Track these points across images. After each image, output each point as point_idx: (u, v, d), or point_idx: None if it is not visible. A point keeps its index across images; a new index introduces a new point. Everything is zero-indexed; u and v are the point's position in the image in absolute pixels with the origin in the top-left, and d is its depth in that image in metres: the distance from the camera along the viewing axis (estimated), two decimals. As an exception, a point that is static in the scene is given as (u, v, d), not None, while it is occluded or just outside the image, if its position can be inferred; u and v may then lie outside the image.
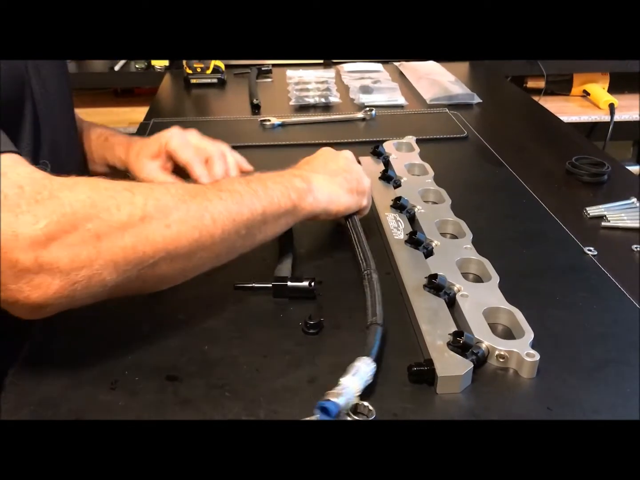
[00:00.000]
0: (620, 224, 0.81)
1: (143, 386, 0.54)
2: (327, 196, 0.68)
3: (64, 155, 0.76)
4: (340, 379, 0.50)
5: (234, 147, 1.08)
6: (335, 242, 0.77)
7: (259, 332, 0.62)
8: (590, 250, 0.75)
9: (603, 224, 0.82)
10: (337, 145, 1.09)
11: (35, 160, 0.68)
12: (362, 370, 0.51)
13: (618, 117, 1.69)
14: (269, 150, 1.08)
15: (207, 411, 0.52)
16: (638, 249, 0.76)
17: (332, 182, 0.70)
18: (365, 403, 0.50)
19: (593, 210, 0.84)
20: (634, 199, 0.86)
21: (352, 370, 0.51)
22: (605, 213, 0.84)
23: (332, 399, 0.48)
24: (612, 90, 1.79)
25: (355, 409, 0.50)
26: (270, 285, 0.66)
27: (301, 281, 0.65)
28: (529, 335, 0.57)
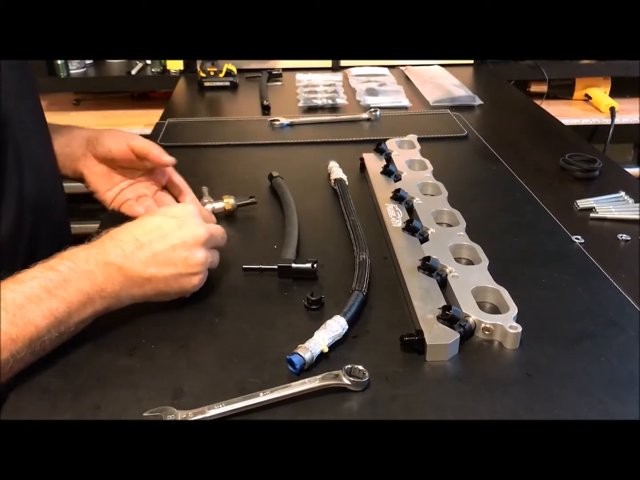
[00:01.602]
0: (608, 215, 0.86)
1: (158, 353, 0.60)
2: (133, 298, 0.63)
3: (43, 173, 0.76)
4: (315, 332, 0.59)
5: (244, 145, 1.15)
6: (337, 230, 0.82)
7: (265, 307, 0.67)
8: (577, 239, 0.80)
9: (592, 215, 0.87)
10: (342, 144, 1.15)
11: (20, 191, 0.69)
12: (331, 326, 0.60)
13: (619, 120, 1.73)
14: (278, 148, 1.14)
15: (215, 374, 0.57)
16: (623, 237, 0.80)
17: (145, 283, 0.62)
18: (360, 367, 0.55)
19: (583, 203, 0.89)
20: (623, 193, 0.90)
21: (323, 326, 0.60)
22: (594, 205, 0.88)
23: (299, 353, 0.56)
24: (613, 94, 1.83)
25: (350, 371, 0.55)
26: (276, 266, 0.71)
27: (304, 263, 0.71)
28: (513, 310, 0.62)
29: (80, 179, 0.84)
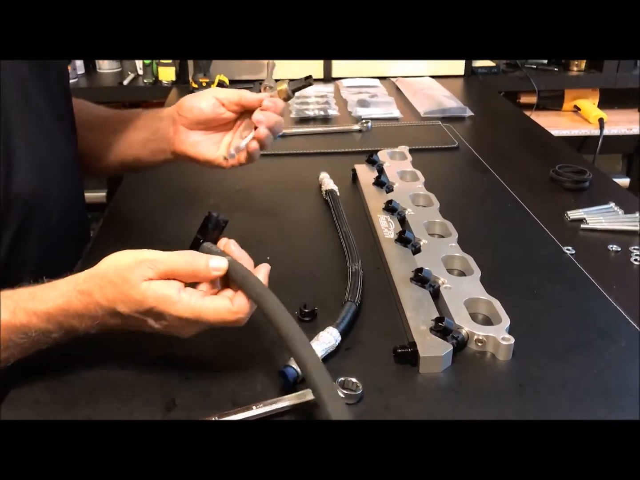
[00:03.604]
0: (599, 226, 0.87)
1: (150, 365, 0.59)
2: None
3: (46, 174, 0.72)
4: None
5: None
6: (329, 241, 0.82)
7: (257, 319, 0.66)
8: (568, 250, 0.80)
9: (582, 226, 0.87)
10: (334, 155, 1.15)
11: (8, 182, 0.66)
12: (324, 338, 0.60)
13: (607, 131, 1.75)
14: (270, 159, 1.14)
15: (207, 386, 0.57)
16: (613, 248, 0.81)
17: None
18: (354, 379, 0.55)
19: (573, 214, 0.90)
20: (612, 204, 0.91)
21: (316, 338, 0.59)
22: (584, 216, 0.89)
23: (292, 365, 0.56)
24: (601, 105, 1.85)
25: (343, 384, 0.55)
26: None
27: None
28: (506, 321, 0.62)
29: (185, 157, 0.81)
